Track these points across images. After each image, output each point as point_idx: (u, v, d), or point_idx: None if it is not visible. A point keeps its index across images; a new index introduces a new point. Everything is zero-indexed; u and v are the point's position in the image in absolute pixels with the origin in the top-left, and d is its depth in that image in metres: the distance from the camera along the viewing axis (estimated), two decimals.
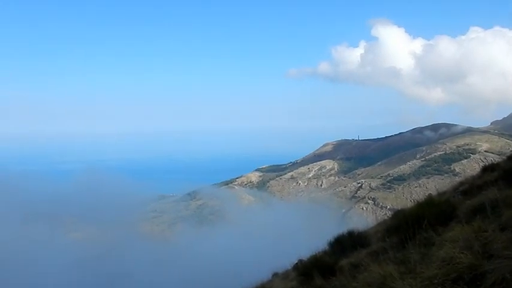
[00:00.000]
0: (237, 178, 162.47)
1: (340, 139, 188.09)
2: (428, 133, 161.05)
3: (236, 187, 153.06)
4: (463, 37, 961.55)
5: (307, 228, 79.08)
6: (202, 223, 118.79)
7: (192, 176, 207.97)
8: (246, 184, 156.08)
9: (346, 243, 7.60)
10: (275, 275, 17.65)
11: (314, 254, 8.24)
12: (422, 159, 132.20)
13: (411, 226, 4.79)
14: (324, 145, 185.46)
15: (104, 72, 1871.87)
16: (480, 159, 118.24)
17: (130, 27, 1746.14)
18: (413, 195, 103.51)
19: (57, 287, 59.89)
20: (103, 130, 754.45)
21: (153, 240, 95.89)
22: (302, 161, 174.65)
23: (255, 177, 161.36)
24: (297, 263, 11.21)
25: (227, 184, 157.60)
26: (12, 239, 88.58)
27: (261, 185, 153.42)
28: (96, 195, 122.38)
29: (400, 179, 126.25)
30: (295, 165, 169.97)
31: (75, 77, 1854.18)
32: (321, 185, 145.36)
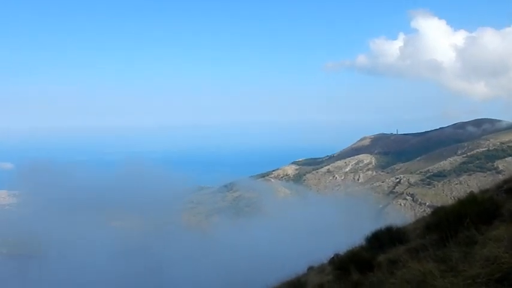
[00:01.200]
0: (273, 171, 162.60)
1: (378, 133, 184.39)
2: (470, 128, 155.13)
3: (272, 180, 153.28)
4: (507, 29, 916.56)
5: (343, 222, 78.35)
6: (238, 215, 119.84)
7: (230, 168, 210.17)
8: (282, 177, 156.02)
9: (384, 239, 7.51)
10: (310, 268, 17.63)
11: (351, 248, 8.19)
12: (464, 155, 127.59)
13: (452, 224, 4.68)
14: (362, 139, 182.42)
15: (145, 66, 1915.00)
16: None
17: (170, 17, 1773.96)
18: (454, 193, 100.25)
19: (99, 274, 62.22)
20: (146, 123, 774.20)
21: (191, 231, 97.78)
22: (339, 154, 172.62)
23: (291, 170, 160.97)
24: (333, 258, 11.16)
25: (263, 177, 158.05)
26: (58, 226, 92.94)
27: (297, 178, 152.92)
28: (137, 186, 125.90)
29: (440, 175, 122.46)
30: (331, 158, 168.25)
31: (117, 71, 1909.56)
32: (358, 180, 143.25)
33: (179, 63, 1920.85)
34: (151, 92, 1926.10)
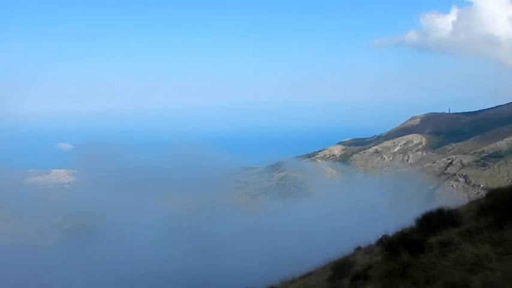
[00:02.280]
0: (319, 151, 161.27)
1: (428, 112, 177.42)
2: None
3: (318, 160, 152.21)
4: None
5: (391, 203, 77.01)
6: (284, 195, 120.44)
7: (276, 148, 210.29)
8: (328, 157, 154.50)
9: (435, 221, 7.35)
10: (358, 249, 17.57)
11: (400, 230, 8.10)
12: None
13: (509, 206, 4.54)
14: (411, 118, 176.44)
15: (194, 48, 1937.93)
16: None
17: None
18: (511, 174, 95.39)
19: (151, 250, 64.85)
20: (196, 104, 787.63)
21: (238, 211, 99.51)
22: (387, 134, 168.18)
23: (337, 150, 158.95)
24: (381, 238, 11.08)
25: (309, 157, 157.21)
26: (113, 203, 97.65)
27: (344, 159, 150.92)
28: (186, 165, 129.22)
29: (496, 156, 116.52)
30: (379, 139, 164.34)
31: (168, 53, 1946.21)
32: (407, 160, 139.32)
33: (227, 43, 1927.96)
34: (201, 73, 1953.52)
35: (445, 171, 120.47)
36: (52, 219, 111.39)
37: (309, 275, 17.26)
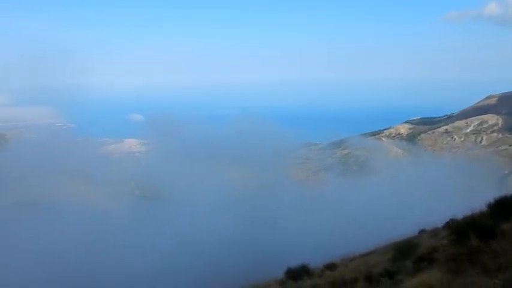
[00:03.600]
0: (384, 129, 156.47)
1: (507, 91, 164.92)
2: None
3: (383, 139, 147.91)
4: None
5: (460, 187, 73.56)
6: (346, 173, 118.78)
7: (340, 125, 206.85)
8: (394, 136, 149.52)
9: (510, 207, 7.13)
10: (422, 231, 17.29)
11: (470, 214, 7.93)
12: None
13: None
14: (487, 98, 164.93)
15: (260, 23, 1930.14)
16: None
17: None
18: None
19: (213, 219, 67.21)
20: (260, 78, 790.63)
21: (298, 186, 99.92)
22: (459, 114, 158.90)
23: (404, 129, 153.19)
24: (449, 222, 10.87)
25: (374, 135, 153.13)
26: (179, 173, 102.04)
27: (411, 138, 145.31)
28: (248, 140, 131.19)
29: None
30: (450, 118, 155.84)
31: (236, 29, 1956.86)
32: (481, 142, 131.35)
33: (293, 20, 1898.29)
34: (267, 48, 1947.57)
35: None
36: (124, 186, 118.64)
37: (369, 253, 17.31)
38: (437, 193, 65.76)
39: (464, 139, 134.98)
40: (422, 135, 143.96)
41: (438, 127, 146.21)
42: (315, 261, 16.68)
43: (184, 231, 62.93)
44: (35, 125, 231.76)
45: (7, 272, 53.03)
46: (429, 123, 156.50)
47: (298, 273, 14.78)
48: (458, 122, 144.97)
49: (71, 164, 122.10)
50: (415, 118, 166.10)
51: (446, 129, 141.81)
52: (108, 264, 52.05)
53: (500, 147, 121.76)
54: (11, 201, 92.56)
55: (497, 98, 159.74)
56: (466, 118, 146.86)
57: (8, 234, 68.14)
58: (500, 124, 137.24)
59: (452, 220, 9.39)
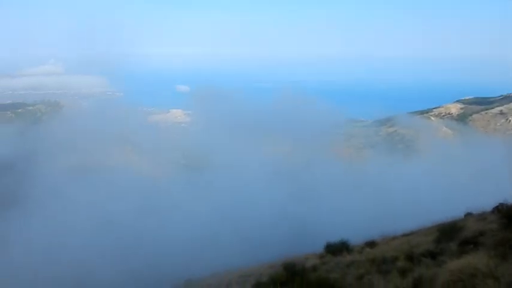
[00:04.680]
0: (434, 108, 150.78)
1: None
2: None
3: (432, 118, 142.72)
4: None
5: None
6: (391, 151, 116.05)
7: (387, 103, 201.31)
8: (444, 116, 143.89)
9: None
10: (468, 214, 16.87)
11: None
12: None
13: None
14: None
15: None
16: None
17: None
18: None
19: (250, 194, 67.90)
20: (304, 53, 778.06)
21: (341, 163, 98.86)
22: None
23: (455, 109, 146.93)
24: (498, 206, 10.57)
25: (423, 114, 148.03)
26: (223, 143, 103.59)
27: (462, 118, 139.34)
28: (291, 114, 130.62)
29: None
30: (506, 99, 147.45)
31: (283, 4, 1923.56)
32: None
33: None
34: (314, 22, 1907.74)
35: None
36: (170, 155, 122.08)
37: (411, 234, 17.12)
38: (487, 177, 63.16)
39: None
40: (475, 115, 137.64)
41: (492, 108, 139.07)
42: (355, 239, 16.72)
43: (226, 202, 64.36)
44: (87, 93, 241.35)
45: (62, 233, 56.66)
46: (482, 103, 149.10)
47: (337, 249, 14.93)
48: None
49: (119, 132, 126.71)
50: (467, 98, 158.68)
51: (501, 110, 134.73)
52: (153, 230, 54.39)
53: None
54: (64, 166, 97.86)
55: None
56: None
57: (63, 197, 72.46)
58: None
59: (502, 205, 9.14)
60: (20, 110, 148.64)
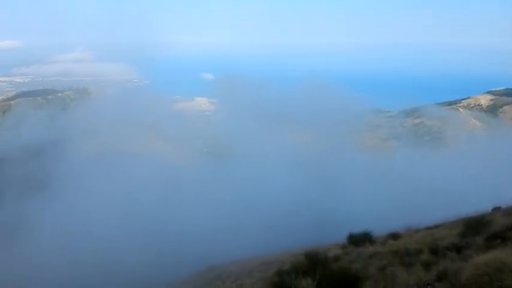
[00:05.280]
0: (462, 99, 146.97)
1: None
2: None
3: (461, 109, 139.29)
4: None
5: None
6: (417, 143, 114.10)
7: (414, 93, 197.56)
8: (473, 107, 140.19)
9: None
10: (496, 209, 16.53)
11: None
12: None
13: None
14: None
15: None
16: None
17: None
18: None
19: (273, 182, 67.88)
20: (329, 42, 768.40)
21: (366, 153, 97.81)
22: None
23: (485, 100, 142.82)
24: None
25: (451, 105, 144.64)
26: (247, 132, 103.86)
27: (492, 110, 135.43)
28: (316, 103, 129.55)
29: None
30: None
31: None
32: None
33: None
34: (339, 10, 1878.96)
35: None
36: (193, 143, 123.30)
37: (436, 227, 16.90)
38: None
39: None
40: (505, 107, 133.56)
41: None
42: (378, 230, 16.61)
43: (249, 190, 64.72)
44: (114, 80, 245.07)
45: (87, 219, 58.15)
46: None
47: (360, 239, 14.89)
48: None
49: (145, 119, 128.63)
50: (498, 89, 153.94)
51: None
52: (176, 217, 55.26)
53: None
54: (91, 152, 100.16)
55: None
56: None
57: (88, 182, 74.27)
58: None
59: None
60: (50, 97, 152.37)
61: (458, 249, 8.21)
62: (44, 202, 66.93)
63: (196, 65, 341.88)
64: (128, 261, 42.02)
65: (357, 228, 16.23)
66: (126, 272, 38.93)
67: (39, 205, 66.12)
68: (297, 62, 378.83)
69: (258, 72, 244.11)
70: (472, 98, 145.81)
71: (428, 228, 16.89)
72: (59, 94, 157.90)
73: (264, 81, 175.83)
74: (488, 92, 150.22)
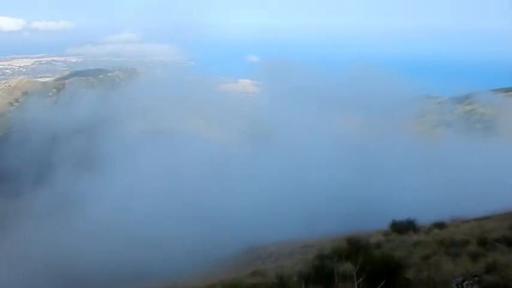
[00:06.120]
0: None
1: None
2: None
3: None
4: None
5: None
6: (468, 131, 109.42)
7: (466, 78, 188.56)
8: None
9: None
10: None
11: None
12: None
13: None
14: None
15: None
16: None
17: None
18: None
19: (316, 168, 67.16)
20: (376, 23, 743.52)
21: (412, 141, 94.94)
22: None
23: None
24: None
25: (507, 92, 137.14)
26: (290, 115, 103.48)
27: None
28: (362, 88, 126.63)
29: None
30: None
31: None
32: None
33: None
34: None
35: None
36: (237, 124, 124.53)
37: (485, 218, 16.30)
38: None
39: None
40: None
41: None
42: (422, 219, 16.20)
43: (291, 173, 64.72)
44: (161, 61, 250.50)
45: (133, 195, 60.42)
46: None
47: (403, 227, 14.62)
48: None
49: (190, 100, 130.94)
50: None
51: None
52: (219, 196, 56.29)
53: None
54: (137, 130, 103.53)
55: None
56: None
57: (135, 160, 77.00)
58: None
59: None
60: (101, 76, 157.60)
61: (509, 242, 7.89)
62: (94, 178, 70.19)
63: (242, 46, 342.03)
64: (171, 237, 43.45)
65: (400, 216, 15.93)
66: (169, 247, 40.31)
67: (89, 181, 69.42)
68: (346, 45, 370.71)
69: (304, 55, 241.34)
70: None
71: (476, 219, 16.34)
72: (109, 74, 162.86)
73: (311, 64, 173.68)
74: None
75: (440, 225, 14.59)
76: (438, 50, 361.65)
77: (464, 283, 5.12)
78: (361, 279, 4.72)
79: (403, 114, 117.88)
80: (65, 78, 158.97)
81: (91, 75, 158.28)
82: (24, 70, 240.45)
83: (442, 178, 56.91)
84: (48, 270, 41.41)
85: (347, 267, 6.74)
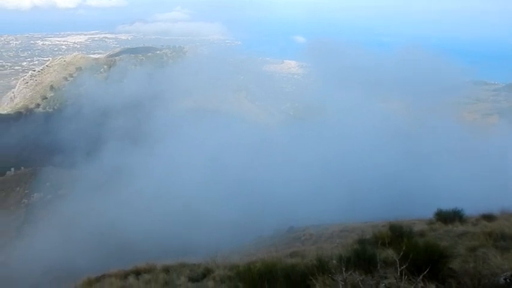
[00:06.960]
0: None
1: None
2: None
3: None
4: None
5: None
6: None
7: None
8: None
9: None
10: None
11: None
12: None
13: None
14: None
15: None
16: None
17: None
18: None
19: (359, 152, 65.83)
20: (427, 5, 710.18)
21: (462, 128, 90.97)
22: None
23: None
24: None
25: None
26: (335, 97, 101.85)
27: None
28: (411, 71, 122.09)
29: None
30: None
31: None
32: None
33: None
34: None
35: None
36: (281, 105, 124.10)
37: None
38: None
39: None
40: None
41: None
42: (469, 210, 15.71)
43: (334, 156, 64.11)
44: (208, 40, 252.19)
45: (179, 170, 62.00)
46: None
47: (449, 217, 14.24)
48: None
49: (236, 80, 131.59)
50: None
51: None
52: (262, 176, 56.87)
53: None
54: (184, 108, 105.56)
55: None
56: None
57: (181, 136, 78.80)
58: None
59: None
60: (149, 54, 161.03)
61: None
62: (142, 152, 72.57)
63: (288, 26, 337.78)
64: (216, 211, 44.52)
65: (446, 206, 15.54)
66: (214, 220, 41.36)
67: (137, 155, 71.89)
68: (395, 26, 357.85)
69: (353, 36, 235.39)
70: None
71: None
72: (158, 52, 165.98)
73: (357, 45, 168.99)
74: None
75: (488, 217, 14.08)
76: (498, 35, 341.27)
77: None
78: (404, 267, 4.73)
79: (454, 100, 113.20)
80: (116, 55, 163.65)
81: (140, 53, 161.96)
82: (78, 46, 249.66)
83: (491, 168, 54.53)
84: (98, 238, 43.76)
85: (389, 253, 6.74)
